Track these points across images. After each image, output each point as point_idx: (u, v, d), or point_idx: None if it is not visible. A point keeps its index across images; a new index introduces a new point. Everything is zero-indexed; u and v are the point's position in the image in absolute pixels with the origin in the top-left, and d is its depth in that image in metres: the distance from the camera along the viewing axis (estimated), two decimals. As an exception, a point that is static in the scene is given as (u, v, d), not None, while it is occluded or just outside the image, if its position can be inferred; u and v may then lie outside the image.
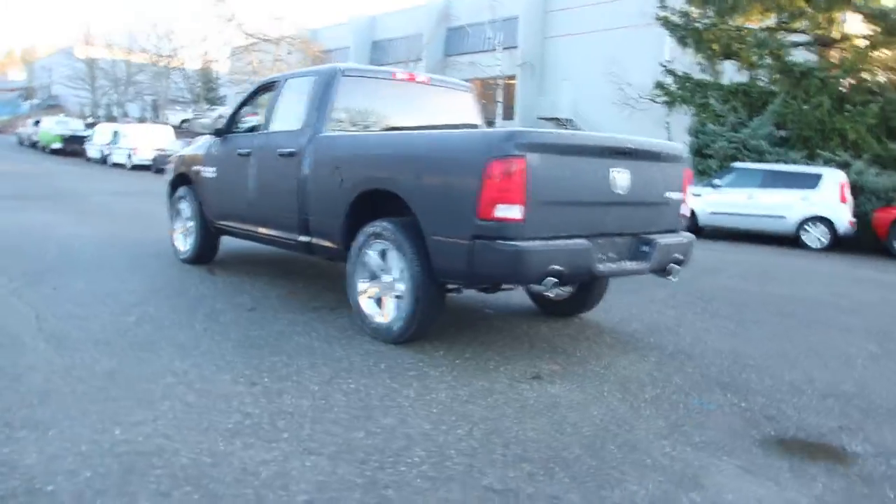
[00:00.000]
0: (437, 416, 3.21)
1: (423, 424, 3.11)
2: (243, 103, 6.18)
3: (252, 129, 6.02)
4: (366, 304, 4.48)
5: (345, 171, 4.55)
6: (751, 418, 3.45)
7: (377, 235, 4.30)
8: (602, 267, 3.98)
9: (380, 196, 4.37)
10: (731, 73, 16.81)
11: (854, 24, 14.74)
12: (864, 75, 13.76)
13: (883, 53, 13.49)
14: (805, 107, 13.49)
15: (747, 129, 13.60)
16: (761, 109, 14.54)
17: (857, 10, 13.76)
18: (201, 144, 6.63)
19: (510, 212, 3.63)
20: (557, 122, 33.28)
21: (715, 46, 14.93)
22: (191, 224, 6.55)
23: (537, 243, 3.69)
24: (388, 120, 5.32)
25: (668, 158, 4.46)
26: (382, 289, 4.37)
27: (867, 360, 4.71)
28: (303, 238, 5.06)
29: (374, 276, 4.44)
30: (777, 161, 13.67)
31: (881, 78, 13.88)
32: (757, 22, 15.34)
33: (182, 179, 6.78)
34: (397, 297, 4.23)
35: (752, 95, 14.92)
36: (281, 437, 2.90)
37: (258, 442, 2.84)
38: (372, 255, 4.41)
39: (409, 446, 2.88)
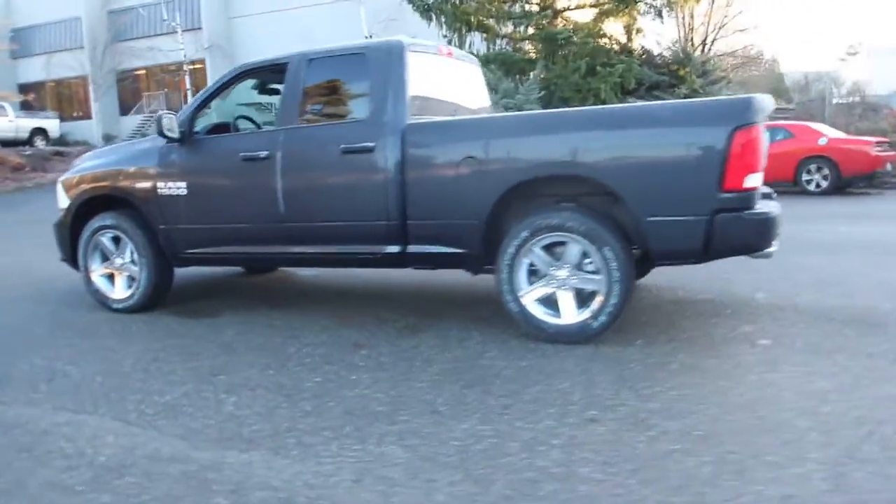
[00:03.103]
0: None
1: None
2: (212, 95, 4.83)
3: (257, 126, 4.80)
4: (535, 308, 3.97)
5: (486, 161, 3.92)
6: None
7: (553, 228, 3.83)
8: None
9: (537, 184, 3.89)
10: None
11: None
12: (604, 41, 15.85)
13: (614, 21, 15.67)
14: (564, 70, 15.08)
15: (520, 95, 14.72)
16: (519, 76, 15.86)
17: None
18: (135, 152, 5.03)
19: (754, 180, 3.56)
20: (259, 106, 31.84)
21: (472, 20, 15.73)
22: (136, 260, 4.99)
23: (772, 206, 3.68)
24: (439, 100, 4.69)
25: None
26: (558, 285, 3.92)
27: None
28: (393, 248, 4.24)
29: (538, 275, 3.96)
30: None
31: (615, 44, 16.18)
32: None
33: (102, 204, 5.09)
34: (591, 291, 3.85)
35: (509, 63, 16.16)
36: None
37: None
38: (539, 252, 3.92)
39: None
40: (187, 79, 31.32)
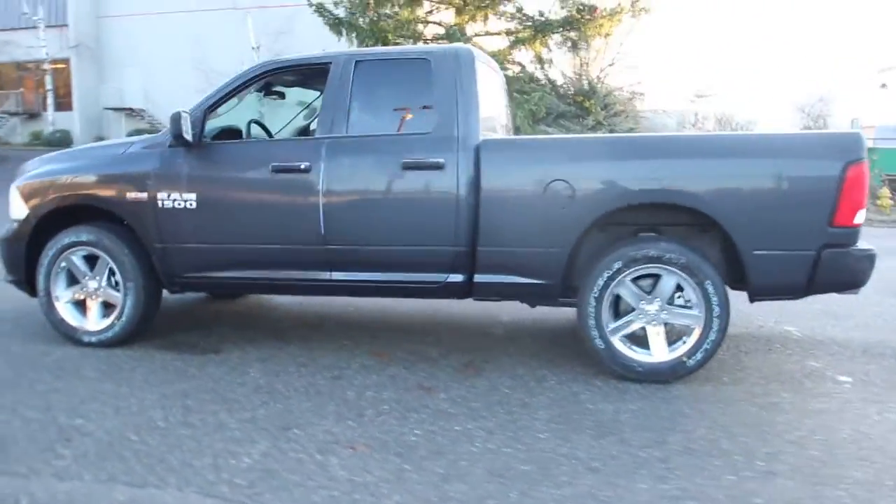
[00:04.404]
0: None
1: None
2: (228, 95, 4.14)
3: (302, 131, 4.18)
4: (621, 345, 3.68)
5: (578, 186, 3.59)
6: None
7: (649, 260, 3.57)
8: None
9: (625, 212, 3.63)
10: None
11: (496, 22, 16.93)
12: (515, 69, 15.98)
13: (529, 48, 15.85)
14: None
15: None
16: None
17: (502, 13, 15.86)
18: (123, 155, 4.22)
19: (861, 216, 3.50)
20: (130, 112, 29.63)
21: (388, 38, 15.34)
22: (118, 284, 4.18)
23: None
24: (491, 114, 4.33)
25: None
26: (647, 320, 3.66)
27: None
28: (457, 277, 3.80)
29: (625, 310, 3.68)
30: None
31: (535, 70, 16.37)
32: (408, 13, 16.29)
33: (68, 216, 4.24)
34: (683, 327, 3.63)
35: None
36: None
37: None
38: (629, 285, 3.64)
39: None
40: (48, 78, 28.55)
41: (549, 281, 3.71)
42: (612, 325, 3.64)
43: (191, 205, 3.97)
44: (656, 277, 3.62)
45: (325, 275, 3.91)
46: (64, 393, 3.43)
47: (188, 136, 3.84)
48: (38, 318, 4.72)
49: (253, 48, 28.14)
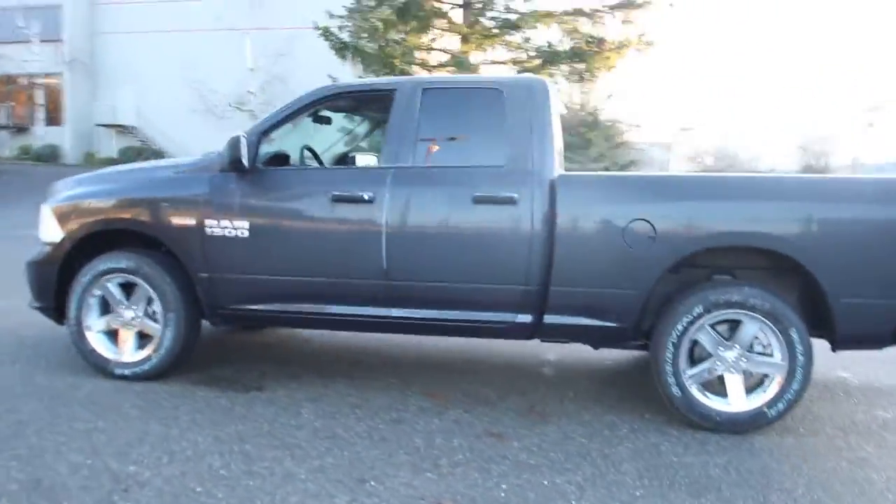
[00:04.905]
0: None
1: None
2: (285, 119, 3.95)
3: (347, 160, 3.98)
4: (698, 393, 3.50)
5: (659, 226, 3.43)
6: None
7: (731, 305, 3.41)
8: None
9: (704, 255, 3.48)
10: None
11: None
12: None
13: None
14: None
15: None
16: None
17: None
18: (169, 179, 4.01)
19: (953, 262, 3.37)
20: (122, 129, 29.32)
21: (396, 63, 15.27)
22: (156, 314, 3.94)
23: None
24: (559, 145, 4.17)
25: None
26: (725, 368, 3.49)
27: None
28: (525, 318, 3.62)
29: (699, 357, 3.52)
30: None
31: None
32: (416, 39, 16.27)
33: (102, 241, 4.01)
34: (765, 375, 3.47)
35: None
36: None
37: None
38: (709, 331, 3.48)
39: None
40: (40, 92, 28.22)
41: (623, 324, 3.54)
42: (690, 373, 3.47)
43: (242, 233, 3.76)
44: (734, 323, 3.45)
45: (385, 311, 3.71)
46: (107, 433, 3.18)
47: (245, 162, 3.63)
48: (60, 344, 4.51)
49: (250, 69, 28.09)
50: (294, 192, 3.81)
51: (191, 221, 3.82)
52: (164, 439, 3.13)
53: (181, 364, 4.00)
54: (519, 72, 16.37)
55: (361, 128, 5.11)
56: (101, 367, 3.97)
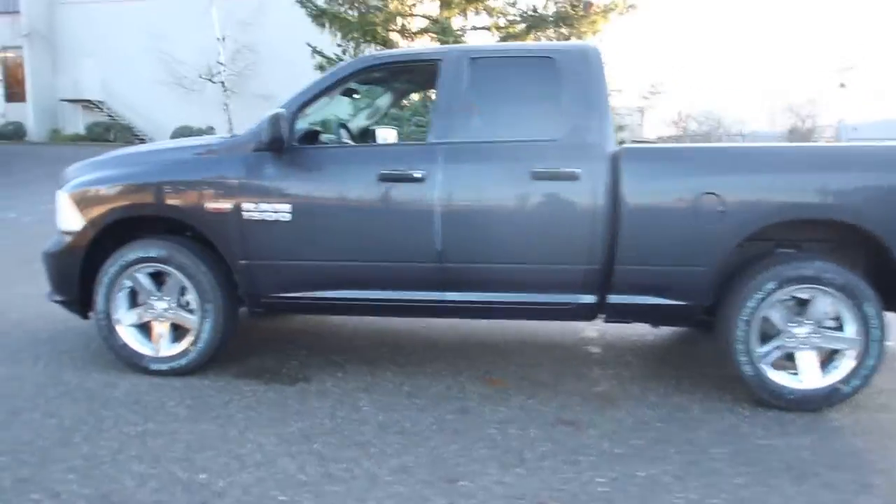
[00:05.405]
0: None
1: None
2: (322, 93, 3.70)
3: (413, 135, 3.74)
4: (770, 371, 3.41)
5: (730, 199, 3.29)
6: None
7: (804, 280, 3.30)
8: None
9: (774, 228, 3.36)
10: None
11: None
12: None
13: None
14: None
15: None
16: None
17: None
18: (198, 160, 3.74)
19: None
20: (88, 104, 28.29)
21: (378, 31, 14.82)
22: (190, 305, 3.72)
23: None
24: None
25: None
26: (796, 344, 3.39)
27: None
28: (588, 298, 3.47)
29: (765, 333, 3.41)
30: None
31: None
32: (397, 4, 15.83)
33: (127, 228, 3.76)
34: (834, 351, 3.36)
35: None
36: None
37: None
38: (779, 307, 3.37)
39: None
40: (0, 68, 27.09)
41: (692, 301, 3.42)
42: (761, 350, 3.36)
43: (284, 216, 3.53)
44: (803, 298, 3.34)
45: (438, 295, 3.53)
46: (162, 437, 2.97)
47: (285, 140, 3.40)
48: (77, 338, 4.29)
49: (218, 39, 27.19)
50: (338, 171, 3.58)
51: (227, 206, 3.58)
52: (225, 441, 2.94)
53: (216, 356, 3.78)
54: (502, 38, 16.03)
55: (382, 100, 4.85)
56: (135, 363, 3.75)
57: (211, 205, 3.60)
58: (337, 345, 4.41)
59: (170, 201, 3.67)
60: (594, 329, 4.72)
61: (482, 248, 3.45)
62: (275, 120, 3.36)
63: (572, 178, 3.34)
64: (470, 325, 4.71)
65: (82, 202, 3.76)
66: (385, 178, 3.46)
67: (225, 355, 3.89)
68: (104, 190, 3.76)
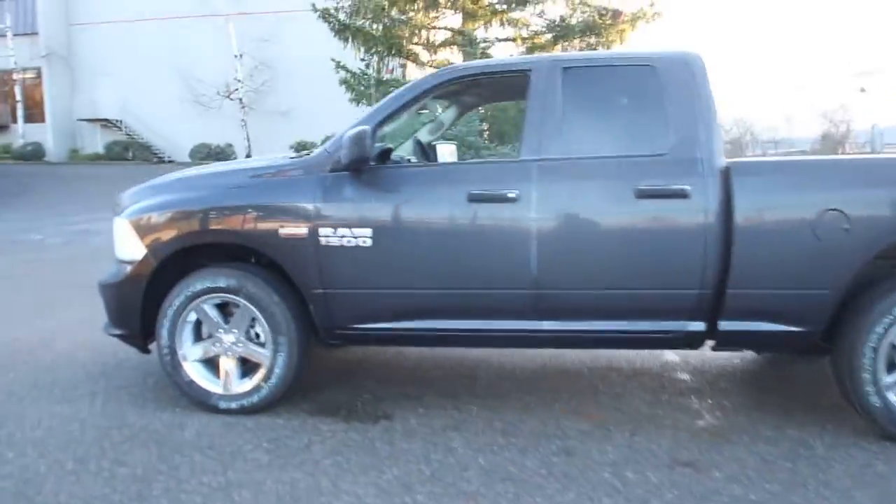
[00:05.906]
0: None
1: None
2: (401, 108, 3.46)
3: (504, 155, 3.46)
4: (898, 402, 3.11)
5: (855, 216, 3.01)
6: None
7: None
8: None
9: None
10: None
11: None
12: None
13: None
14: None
15: (462, 127, 13.80)
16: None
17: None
18: (266, 183, 3.51)
19: None
20: (106, 123, 28.34)
21: (403, 45, 14.65)
22: (262, 338, 3.46)
23: None
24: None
25: None
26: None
27: None
28: (697, 325, 3.19)
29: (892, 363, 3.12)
30: (491, 155, 14.27)
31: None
32: (423, 17, 15.68)
33: (195, 255, 3.53)
34: None
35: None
36: None
37: None
38: (912, 333, 3.08)
39: None
40: (18, 89, 27.18)
41: (810, 328, 3.13)
42: (890, 380, 3.07)
43: (364, 241, 3.28)
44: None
45: (533, 324, 3.26)
46: (249, 489, 2.72)
47: (370, 159, 3.16)
48: (132, 373, 4.09)
49: (235, 56, 27.22)
50: (423, 191, 3.33)
51: (302, 231, 3.33)
52: (320, 493, 2.68)
53: (282, 397, 3.52)
54: (528, 49, 15.83)
55: (447, 114, 4.61)
56: (203, 401, 3.50)
57: (285, 230, 3.36)
58: (407, 375, 4.15)
59: (239, 227, 3.43)
60: (674, 353, 4.44)
61: (582, 273, 3.20)
62: (359, 137, 3.12)
63: (682, 195, 3.08)
64: (546, 352, 4.43)
65: (143, 229, 3.53)
66: (475, 199, 3.21)
67: (291, 389, 3.63)
68: (167, 216, 3.53)
